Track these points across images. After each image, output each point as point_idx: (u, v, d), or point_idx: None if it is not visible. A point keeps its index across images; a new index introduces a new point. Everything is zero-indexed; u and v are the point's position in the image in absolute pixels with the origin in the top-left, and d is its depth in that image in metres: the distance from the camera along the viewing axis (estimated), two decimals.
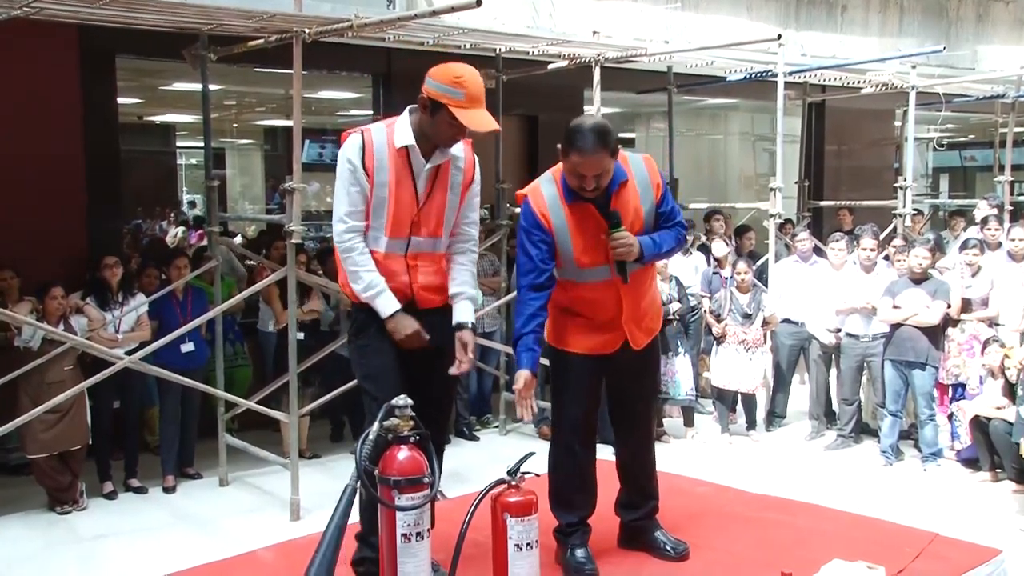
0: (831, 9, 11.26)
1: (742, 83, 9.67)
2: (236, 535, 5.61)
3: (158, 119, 14.11)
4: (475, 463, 6.90)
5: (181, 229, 12.50)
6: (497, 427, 8.17)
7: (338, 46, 7.15)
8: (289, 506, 5.98)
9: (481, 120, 3.14)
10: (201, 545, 5.43)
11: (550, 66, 8.30)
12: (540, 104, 9.32)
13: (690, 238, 8.24)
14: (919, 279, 6.87)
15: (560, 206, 3.26)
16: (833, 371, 7.75)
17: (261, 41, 6.26)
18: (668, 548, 3.50)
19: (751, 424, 7.86)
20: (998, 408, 6.44)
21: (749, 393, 7.76)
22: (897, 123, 12.43)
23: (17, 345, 6.06)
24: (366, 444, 2.74)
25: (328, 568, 2.63)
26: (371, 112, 9.30)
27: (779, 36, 7.47)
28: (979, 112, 12.98)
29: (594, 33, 7.99)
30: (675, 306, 7.47)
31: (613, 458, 3.61)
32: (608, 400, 3.54)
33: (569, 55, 8.08)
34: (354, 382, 3.48)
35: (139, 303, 6.63)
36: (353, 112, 12.73)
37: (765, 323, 7.61)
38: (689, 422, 7.84)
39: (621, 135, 14.79)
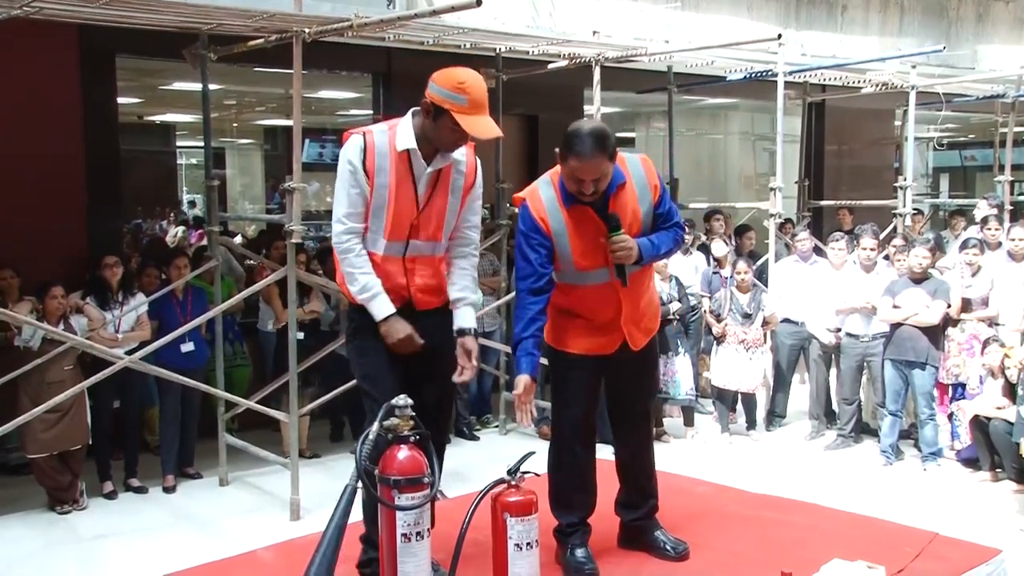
0: (831, 9, 11.25)
1: (742, 83, 9.67)
2: (236, 535, 5.61)
3: (158, 119, 14.10)
4: (475, 463, 6.90)
5: (181, 229, 12.50)
6: (497, 427, 8.18)
7: (338, 46, 7.15)
8: (289, 506, 5.98)
9: (484, 127, 3.12)
10: (201, 545, 5.43)
11: (550, 66, 8.30)
12: (540, 104, 9.32)
13: (690, 238, 8.24)
14: (919, 279, 6.87)
15: (559, 209, 3.25)
16: (833, 371, 7.75)
17: (261, 41, 6.26)
18: (668, 548, 3.49)
19: (751, 424, 7.87)
20: (998, 408, 6.44)
21: (749, 393, 7.76)
22: (897, 123, 12.43)
23: (17, 345, 6.06)
24: (366, 444, 2.74)
25: (328, 568, 2.63)
26: (371, 112, 9.29)
27: (779, 36, 7.47)
28: (979, 112, 12.98)
29: (594, 33, 7.99)
30: (675, 306, 7.47)
31: (613, 458, 3.61)
32: (607, 400, 3.54)
33: (569, 55, 8.08)
34: (354, 382, 3.49)
35: (139, 303, 6.63)
36: (353, 112, 12.73)
37: (765, 323, 7.61)
38: (689, 422, 7.84)
39: (621, 135, 14.80)
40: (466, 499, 3.14)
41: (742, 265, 7.65)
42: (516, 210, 3.50)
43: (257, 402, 6.58)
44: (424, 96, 3.14)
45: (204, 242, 9.23)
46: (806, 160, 10.88)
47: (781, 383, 8.10)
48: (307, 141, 12.64)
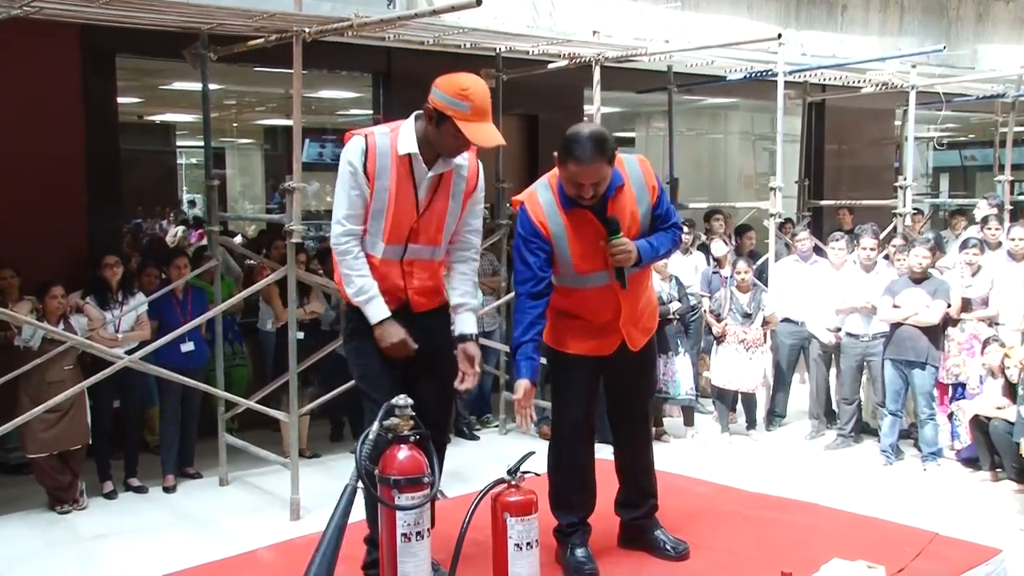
0: (831, 8, 11.26)
1: (742, 82, 9.67)
2: (236, 535, 5.61)
3: (158, 118, 14.11)
4: (475, 462, 6.90)
5: (181, 228, 12.50)
6: (497, 426, 8.18)
7: (338, 45, 7.15)
8: (289, 506, 5.98)
9: (487, 135, 3.10)
10: (201, 545, 5.43)
11: (550, 66, 8.30)
12: (540, 104, 9.32)
13: (690, 237, 8.24)
14: (919, 278, 6.87)
15: (558, 213, 3.24)
16: (833, 370, 7.75)
17: (261, 40, 6.26)
18: (668, 547, 3.50)
19: (751, 423, 7.87)
20: (998, 408, 6.44)
21: (749, 392, 7.76)
22: (897, 122, 12.43)
23: (17, 344, 6.07)
24: (366, 443, 2.74)
25: (328, 568, 2.63)
26: (371, 111, 9.30)
27: (779, 35, 7.47)
28: (979, 111, 12.97)
29: (594, 33, 7.99)
30: (675, 305, 7.47)
31: (612, 458, 3.61)
32: (607, 400, 3.54)
33: (569, 54, 8.08)
34: (354, 382, 3.49)
35: (139, 302, 6.63)
36: (353, 111, 12.74)
37: (765, 322, 7.61)
38: (689, 422, 7.84)
39: (621, 134, 14.81)
40: (466, 499, 3.14)
41: (742, 265, 7.65)
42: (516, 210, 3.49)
43: (257, 402, 6.58)
44: (427, 101, 3.12)
45: (204, 242, 9.23)
46: (806, 160, 10.87)
47: (781, 383, 8.10)
48: (307, 141, 12.65)
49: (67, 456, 6.12)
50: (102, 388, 6.17)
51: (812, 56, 10.30)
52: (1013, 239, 7.48)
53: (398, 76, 8.72)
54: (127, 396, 6.63)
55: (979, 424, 6.54)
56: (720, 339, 7.62)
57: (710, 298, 7.81)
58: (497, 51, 8.05)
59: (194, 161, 15.52)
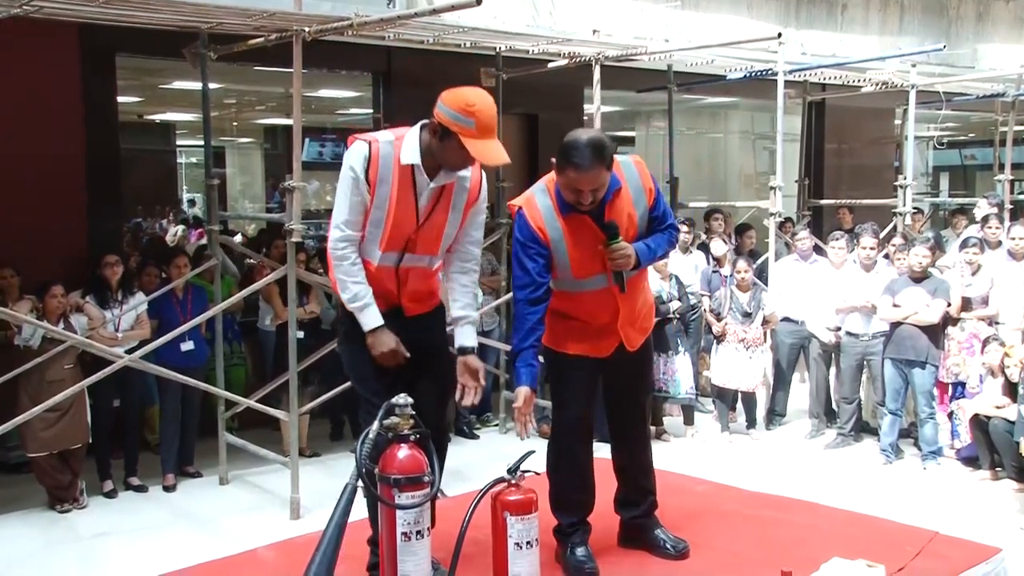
0: (831, 8, 11.26)
1: (742, 82, 9.66)
2: (236, 534, 5.62)
3: (158, 118, 14.10)
4: (475, 461, 6.90)
5: (181, 228, 12.51)
6: (497, 425, 8.18)
7: (338, 44, 7.14)
8: (289, 505, 5.99)
9: (491, 152, 3.06)
10: (201, 544, 5.43)
11: (550, 65, 8.30)
12: (540, 103, 9.32)
13: (690, 237, 8.24)
14: (919, 278, 6.87)
15: (556, 218, 3.23)
16: (833, 370, 7.75)
17: (261, 40, 6.26)
18: (668, 546, 3.50)
19: (751, 423, 7.87)
20: (998, 407, 6.44)
21: (749, 392, 7.76)
22: (897, 121, 12.42)
23: (17, 344, 6.07)
24: (366, 443, 2.74)
25: (328, 567, 2.63)
26: (371, 110, 9.30)
27: (779, 35, 7.47)
28: (979, 111, 12.97)
29: (594, 32, 7.99)
30: (675, 304, 7.47)
31: (610, 456, 3.61)
32: (605, 400, 3.54)
33: (569, 54, 8.08)
34: None
35: (139, 302, 6.64)
36: (353, 110, 12.73)
37: (765, 322, 7.61)
38: (689, 421, 7.84)
39: (621, 134, 14.82)
40: (466, 498, 3.13)
41: (742, 264, 7.66)
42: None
43: (257, 401, 6.58)
44: (432, 116, 3.08)
45: (204, 241, 9.22)
46: (806, 159, 10.87)
47: (781, 382, 8.10)
48: (307, 140, 12.61)
49: (67, 455, 6.13)
50: (102, 387, 6.17)
51: (812, 55, 10.30)
52: (1013, 238, 7.48)
53: (398, 75, 8.72)
54: (127, 395, 6.62)
55: (979, 423, 6.54)
56: (720, 338, 7.62)
57: (710, 297, 7.81)
58: (497, 50, 8.05)
59: (194, 160, 15.50)
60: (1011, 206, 10.72)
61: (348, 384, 6.22)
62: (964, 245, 7.42)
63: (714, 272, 8.05)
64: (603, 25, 8.33)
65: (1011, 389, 6.40)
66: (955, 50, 11.58)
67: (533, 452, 3.05)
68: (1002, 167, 11.13)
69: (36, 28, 6.19)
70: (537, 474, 3.07)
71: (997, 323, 7.11)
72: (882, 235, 7.96)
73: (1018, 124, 11.19)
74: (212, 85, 6.98)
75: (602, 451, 3.54)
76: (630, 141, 15.03)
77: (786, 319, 7.81)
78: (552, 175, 3.24)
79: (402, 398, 2.78)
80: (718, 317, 7.62)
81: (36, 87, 7.05)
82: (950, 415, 7.00)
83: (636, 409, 3.57)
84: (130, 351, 6.17)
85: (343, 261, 3.20)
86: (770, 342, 7.89)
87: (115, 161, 7.67)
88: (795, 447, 7.58)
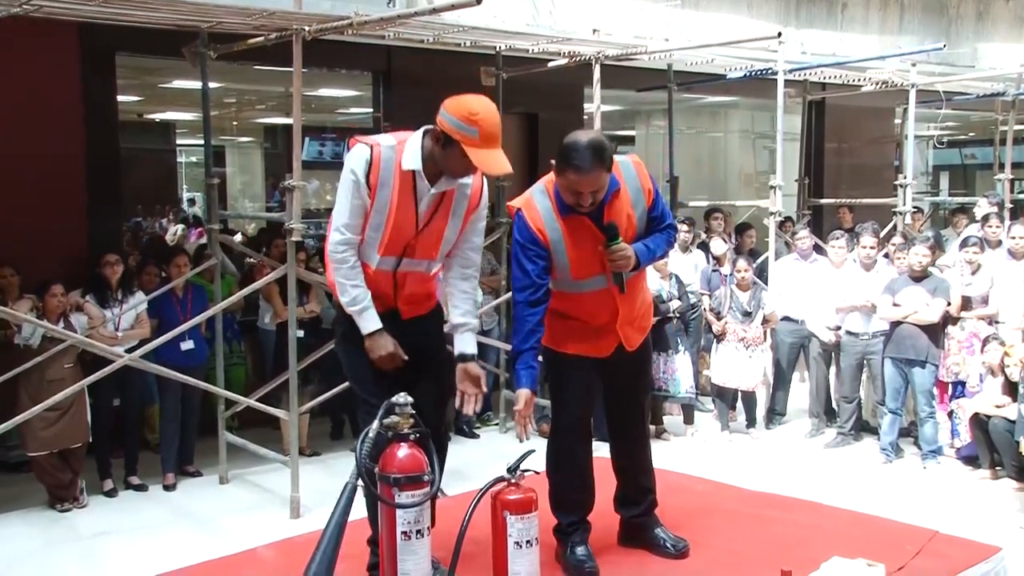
0: (831, 7, 11.25)
1: (742, 81, 9.66)
2: (236, 533, 5.62)
3: (158, 117, 14.10)
4: (475, 460, 6.90)
5: (181, 227, 12.49)
6: (497, 424, 8.18)
7: (338, 44, 7.14)
8: (289, 504, 5.99)
9: (494, 162, 3.03)
10: (201, 543, 5.43)
11: (550, 64, 8.29)
12: (540, 102, 9.32)
13: (690, 236, 8.25)
14: (919, 277, 6.87)
15: (555, 220, 3.23)
16: (833, 369, 7.75)
17: (261, 39, 6.26)
18: (668, 545, 3.49)
19: (751, 422, 7.87)
20: (998, 406, 6.44)
21: (749, 391, 7.76)
22: (897, 121, 12.42)
23: (17, 343, 6.07)
24: (366, 442, 2.74)
25: (328, 566, 2.63)
26: (371, 110, 9.30)
27: (779, 34, 7.47)
28: (979, 110, 12.97)
29: (594, 31, 7.99)
30: (675, 304, 7.47)
31: (609, 456, 3.61)
32: (604, 400, 3.54)
33: (569, 53, 8.08)
34: None
35: (139, 301, 6.64)
36: (353, 110, 12.72)
37: (765, 321, 7.61)
38: (689, 420, 7.84)
39: (621, 133, 14.81)
40: (466, 497, 3.13)
41: (742, 263, 7.66)
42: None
43: (257, 400, 6.58)
44: (434, 118, 3.06)
45: (204, 240, 9.22)
46: (806, 158, 10.86)
47: (781, 381, 8.10)
48: (307, 139, 12.58)
49: (67, 454, 6.13)
50: (102, 386, 6.18)
51: (812, 54, 10.29)
52: (1013, 237, 7.48)
53: (398, 74, 8.72)
54: (127, 394, 6.63)
55: (979, 422, 6.54)
56: (720, 337, 7.62)
57: (710, 296, 7.81)
58: (497, 49, 8.05)
59: (194, 159, 15.49)
60: (1011, 205, 10.73)
61: (348, 383, 6.24)
62: (964, 244, 7.42)
63: (714, 271, 8.06)
64: (603, 24, 8.33)
65: (1011, 388, 6.40)
66: (955, 49, 11.58)
67: (533, 451, 3.05)
68: (1002, 166, 11.14)
69: (36, 27, 6.18)
70: (537, 473, 3.07)
71: (997, 322, 7.11)
72: (882, 234, 7.96)
73: (1018, 123, 11.19)
74: (212, 84, 6.98)
75: (602, 450, 3.55)
76: (630, 140, 15.03)
77: (786, 318, 7.81)
78: (551, 176, 3.23)
79: (402, 397, 2.78)
80: (718, 316, 7.62)
81: (36, 87, 7.05)
82: (950, 414, 7.01)
83: (635, 408, 3.57)
84: (130, 350, 6.17)
85: (342, 264, 3.19)
86: (770, 341, 7.89)
87: (115, 160, 7.67)
88: (795, 446, 7.59)
